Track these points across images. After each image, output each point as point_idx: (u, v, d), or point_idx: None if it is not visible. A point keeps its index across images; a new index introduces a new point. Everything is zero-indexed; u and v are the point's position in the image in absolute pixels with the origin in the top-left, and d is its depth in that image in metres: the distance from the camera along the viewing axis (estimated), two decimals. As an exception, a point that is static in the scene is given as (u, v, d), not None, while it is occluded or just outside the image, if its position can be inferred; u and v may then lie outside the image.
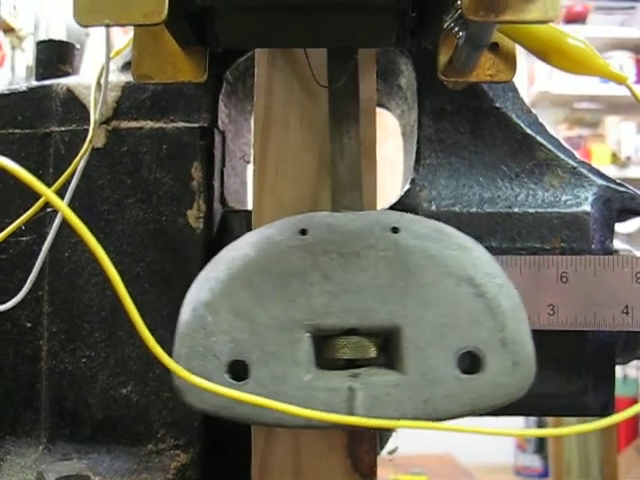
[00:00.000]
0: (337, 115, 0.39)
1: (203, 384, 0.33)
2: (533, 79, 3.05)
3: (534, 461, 2.85)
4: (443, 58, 0.38)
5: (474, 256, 0.36)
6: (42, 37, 2.22)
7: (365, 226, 0.36)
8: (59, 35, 2.16)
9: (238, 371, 0.35)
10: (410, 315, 0.35)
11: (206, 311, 0.35)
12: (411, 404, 0.35)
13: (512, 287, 0.36)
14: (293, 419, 0.34)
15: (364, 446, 0.43)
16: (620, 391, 2.43)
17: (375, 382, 0.35)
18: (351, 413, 0.34)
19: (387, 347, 0.37)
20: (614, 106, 3.05)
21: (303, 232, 0.36)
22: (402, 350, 0.35)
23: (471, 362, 0.35)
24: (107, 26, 0.31)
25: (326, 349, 0.36)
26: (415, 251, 0.36)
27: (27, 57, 2.27)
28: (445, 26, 0.34)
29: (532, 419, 2.31)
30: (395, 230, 0.36)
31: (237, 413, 0.35)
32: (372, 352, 0.36)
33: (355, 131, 0.39)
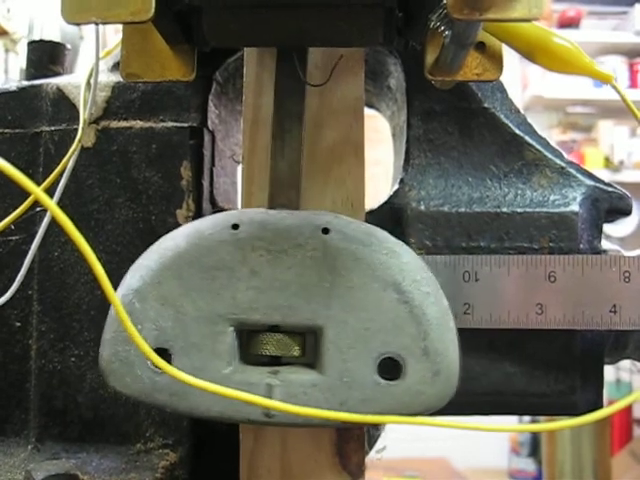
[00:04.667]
0: (280, 113, 0.39)
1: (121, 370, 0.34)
2: (526, 83, 3.05)
3: (528, 464, 2.85)
4: (430, 57, 0.38)
5: (403, 262, 0.36)
6: (36, 40, 2.22)
7: (296, 225, 0.36)
8: (53, 38, 2.15)
9: (161, 359, 0.35)
10: (333, 316, 0.35)
11: (135, 298, 0.36)
12: (327, 405, 0.35)
13: (441, 296, 0.36)
14: (208, 408, 0.35)
15: (352, 445, 0.43)
16: (613, 395, 2.44)
17: (293, 380, 0.35)
18: (267, 408, 0.34)
19: (310, 347, 0.37)
20: (607, 110, 3.06)
21: (235, 227, 0.36)
22: (323, 351, 0.35)
23: (391, 368, 0.35)
24: (95, 24, 0.32)
25: (251, 345, 0.36)
26: (343, 253, 0.36)
27: (21, 60, 2.27)
28: (431, 25, 0.34)
29: (526, 419, 2.31)
30: (325, 231, 0.36)
31: (156, 400, 0.35)
32: (295, 350, 0.36)
33: (297, 130, 0.39)
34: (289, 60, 0.38)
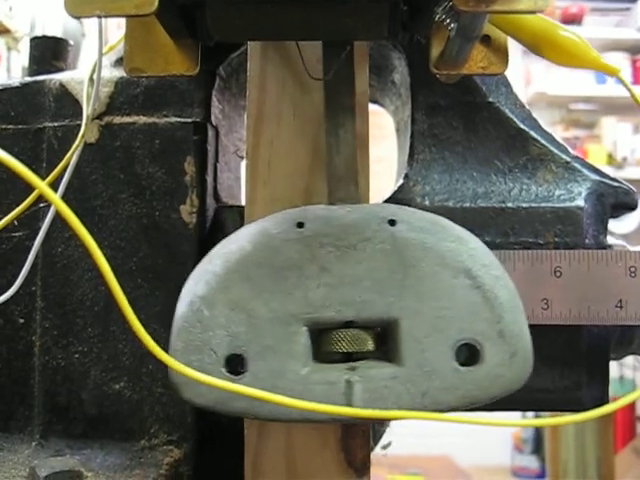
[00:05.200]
0: (333, 108, 0.39)
1: (199, 377, 0.32)
2: (529, 80, 3.05)
3: (531, 462, 2.85)
4: (435, 51, 0.38)
5: (471, 248, 0.36)
6: (38, 38, 2.22)
7: (362, 218, 0.36)
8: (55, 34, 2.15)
9: (235, 365, 0.35)
10: (407, 307, 0.35)
11: (203, 305, 0.35)
12: (409, 396, 0.35)
13: (508, 279, 0.36)
14: (289, 412, 0.34)
15: (357, 440, 0.42)
16: (617, 391, 2.44)
17: (373, 375, 0.35)
18: (349, 406, 0.34)
19: (385, 340, 0.36)
20: (610, 107, 3.05)
21: (300, 225, 0.36)
22: (400, 342, 0.35)
23: (469, 354, 0.35)
24: (98, 17, 0.31)
25: (324, 342, 0.36)
26: (412, 243, 0.35)
27: (23, 58, 2.26)
28: (436, 18, 0.34)
29: (530, 416, 2.31)
30: (392, 223, 0.36)
31: (234, 407, 0.35)
32: (370, 345, 0.36)
33: (351, 124, 0.38)
34: (336, 53, 0.38)
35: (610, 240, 0.48)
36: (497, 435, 2.78)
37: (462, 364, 0.35)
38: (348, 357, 0.36)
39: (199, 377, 0.32)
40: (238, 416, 0.35)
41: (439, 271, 0.35)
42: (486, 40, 0.38)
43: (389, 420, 0.51)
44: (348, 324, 0.36)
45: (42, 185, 0.29)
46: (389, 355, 0.36)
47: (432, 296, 0.35)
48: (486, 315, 0.35)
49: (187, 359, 0.34)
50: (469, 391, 0.35)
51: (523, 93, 2.98)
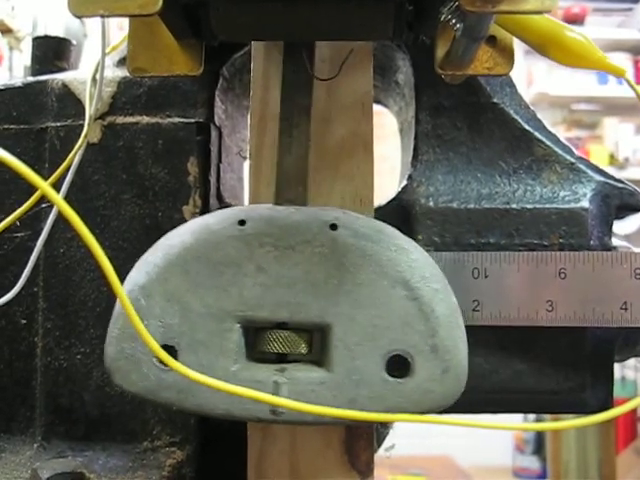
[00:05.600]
0: (288, 107, 0.38)
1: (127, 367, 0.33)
2: (531, 80, 3.05)
3: (532, 462, 2.85)
4: (440, 51, 0.38)
5: (412, 259, 0.36)
6: (40, 37, 2.22)
7: (304, 221, 0.36)
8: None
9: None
10: (341, 313, 0.35)
11: (140, 294, 0.35)
12: (335, 403, 0.34)
13: (450, 293, 0.36)
14: (214, 406, 0.34)
15: (361, 443, 0.42)
16: (619, 392, 2.43)
17: (301, 378, 0.35)
18: (274, 408, 0.34)
19: (317, 344, 0.36)
20: (612, 107, 3.05)
21: (242, 223, 0.36)
22: (331, 348, 0.35)
23: (400, 366, 0.35)
24: (102, 17, 0.31)
25: (258, 342, 0.36)
26: (352, 249, 0.35)
27: (25, 58, 2.26)
28: (442, 18, 0.34)
29: (531, 417, 2.31)
30: (333, 227, 0.36)
31: (162, 397, 0.35)
32: (302, 348, 0.36)
33: (305, 124, 0.38)
34: (296, 54, 0.38)
35: (615, 242, 0.48)
36: (498, 436, 2.77)
37: (392, 375, 0.35)
38: (282, 359, 0.36)
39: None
40: (166, 407, 0.35)
41: (376, 280, 0.35)
42: (492, 40, 0.38)
43: (390, 424, 0.51)
44: (281, 325, 0.36)
45: (44, 185, 0.29)
46: (321, 360, 0.36)
47: (367, 304, 0.35)
48: (420, 328, 0.35)
49: (121, 346, 0.35)
50: (397, 403, 0.34)
51: (525, 93, 2.95)
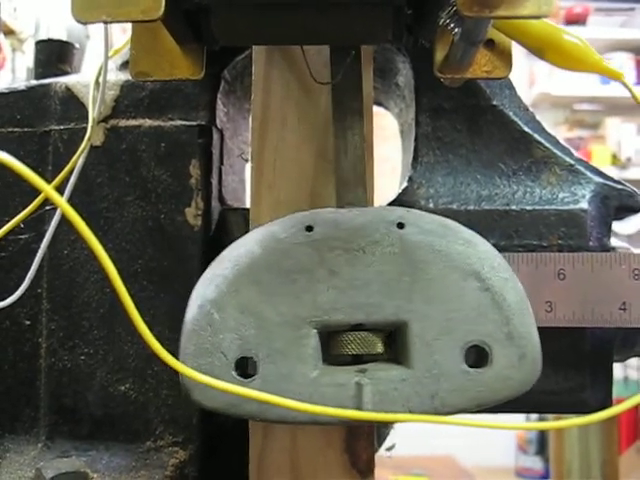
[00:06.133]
0: (341, 111, 0.39)
1: (209, 382, 0.33)
2: (533, 80, 3.05)
3: (535, 462, 2.85)
4: (439, 55, 0.38)
5: (480, 250, 0.36)
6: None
7: (370, 222, 0.36)
8: (59, 37, 2.16)
9: (245, 368, 0.35)
10: (416, 310, 0.35)
11: (213, 308, 0.35)
12: (418, 399, 0.35)
13: (517, 281, 0.36)
14: (297, 415, 0.34)
15: (362, 442, 0.43)
16: (621, 392, 2.43)
17: (382, 377, 0.35)
18: (359, 408, 0.34)
19: (394, 342, 0.37)
20: (614, 107, 3.05)
21: (309, 229, 0.36)
22: (409, 345, 0.35)
23: (478, 356, 0.35)
24: (105, 22, 0.32)
25: (333, 345, 0.36)
26: (421, 246, 0.36)
27: (28, 59, 2.27)
28: (441, 22, 0.34)
29: (533, 417, 2.31)
30: (400, 226, 0.36)
31: (245, 410, 0.35)
32: (379, 347, 0.36)
33: (359, 127, 0.39)
34: (344, 56, 0.38)
35: (614, 242, 0.48)
36: (501, 436, 2.77)
37: (471, 366, 0.35)
38: (358, 360, 0.36)
39: (209, 381, 0.32)
40: (249, 419, 0.36)
41: (448, 274, 0.36)
42: (490, 44, 0.38)
43: (395, 423, 0.51)
44: (357, 327, 0.36)
45: (48, 188, 0.29)
46: (398, 357, 0.36)
47: (441, 299, 0.35)
48: (494, 317, 0.35)
49: (197, 362, 0.35)
50: (478, 393, 0.35)
51: (527, 94, 2.97)
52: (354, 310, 0.36)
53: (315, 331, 0.36)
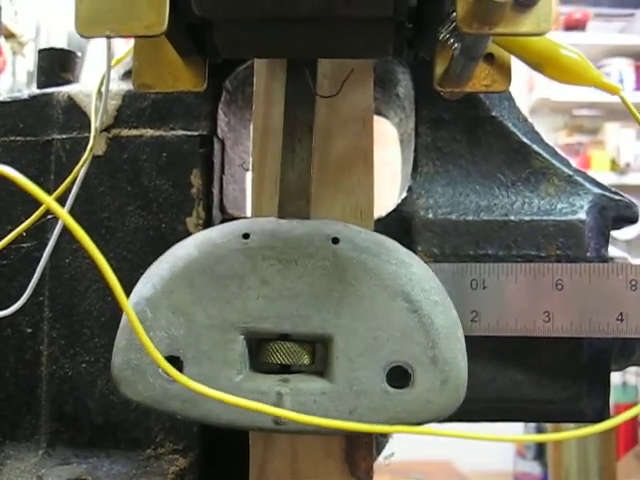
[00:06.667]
0: (291, 122, 0.39)
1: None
2: (532, 86, 3.05)
3: (533, 467, 2.84)
4: (439, 69, 0.38)
5: (412, 272, 0.36)
6: (43, 43, 2.23)
7: (307, 234, 0.37)
8: (60, 41, 2.17)
9: (173, 367, 0.35)
10: (343, 325, 0.36)
11: (147, 306, 0.36)
12: (336, 413, 0.35)
13: (449, 305, 0.37)
14: (219, 416, 0.35)
15: (361, 451, 0.43)
16: (620, 398, 2.44)
17: (303, 389, 0.36)
18: (277, 419, 0.35)
19: (320, 355, 0.37)
20: (613, 113, 3.05)
21: (245, 236, 0.37)
22: (332, 359, 0.36)
23: (400, 377, 0.35)
24: (108, 37, 0.32)
25: (260, 353, 0.37)
26: (353, 263, 0.36)
27: (28, 63, 2.27)
28: (441, 37, 0.34)
29: (531, 425, 2.31)
30: (335, 240, 0.36)
31: (168, 407, 0.36)
32: (305, 359, 0.37)
33: (307, 140, 0.39)
34: (299, 71, 0.39)
35: (612, 252, 0.48)
36: (499, 441, 2.77)
37: (392, 386, 0.35)
38: (285, 370, 0.37)
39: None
40: (171, 416, 0.36)
41: (377, 292, 0.36)
42: (489, 58, 0.39)
43: (387, 436, 0.52)
44: (284, 337, 0.36)
45: (49, 200, 0.30)
46: (322, 371, 0.36)
47: (368, 316, 0.36)
48: (420, 339, 0.35)
49: (127, 357, 0.36)
50: (397, 413, 0.35)
51: (526, 99, 2.98)
52: (282, 320, 0.36)
53: (242, 337, 0.36)
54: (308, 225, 0.37)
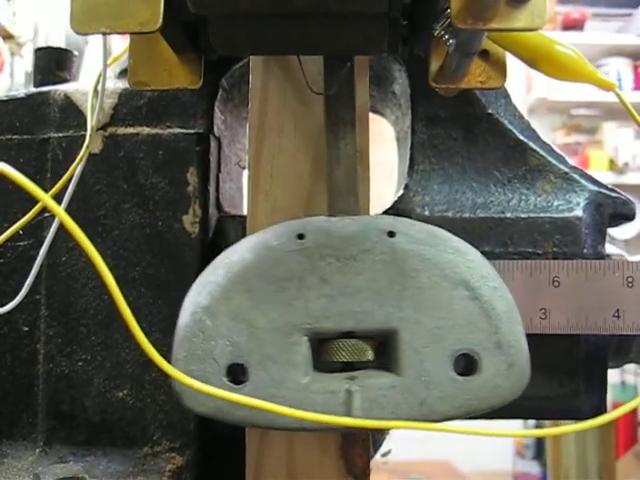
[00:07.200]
0: (333, 121, 0.39)
1: (200, 387, 0.33)
2: (530, 86, 3.05)
3: (532, 467, 2.84)
4: (434, 65, 0.38)
5: (469, 260, 0.37)
6: (41, 44, 2.23)
7: (361, 230, 0.37)
8: (58, 42, 2.17)
9: (237, 374, 0.35)
10: (406, 318, 0.36)
11: (205, 315, 0.36)
12: (407, 406, 0.35)
13: (506, 290, 0.37)
14: (286, 421, 0.35)
15: (357, 449, 0.43)
16: (618, 397, 2.44)
17: (372, 384, 0.36)
18: (349, 415, 0.35)
19: (384, 349, 0.37)
20: (611, 112, 3.05)
21: (300, 236, 0.36)
22: (398, 352, 0.36)
23: (467, 364, 0.36)
24: (103, 34, 0.32)
25: (324, 352, 0.37)
26: (411, 255, 0.36)
27: (26, 64, 2.27)
28: (435, 34, 0.34)
29: (531, 423, 2.31)
30: (391, 234, 0.36)
31: (235, 416, 0.35)
32: (369, 355, 0.36)
33: (351, 136, 0.39)
34: (337, 69, 0.39)
35: (608, 249, 0.48)
36: (498, 441, 2.77)
37: (460, 374, 0.35)
38: (348, 367, 0.37)
39: (199, 386, 0.33)
40: (239, 424, 0.36)
41: (438, 282, 0.36)
42: (484, 54, 0.39)
43: (387, 430, 0.52)
44: (348, 334, 0.36)
45: (45, 197, 0.30)
46: (388, 365, 0.36)
47: (431, 307, 0.36)
48: (483, 326, 0.36)
49: (189, 368, 0.35)
50: (466, 401, 0.35)
51: (524, 99, 2.98)
52: (344, 318, 0.36)
53: (306, 338, 0.36)
54: (361, 221, 0.37)
